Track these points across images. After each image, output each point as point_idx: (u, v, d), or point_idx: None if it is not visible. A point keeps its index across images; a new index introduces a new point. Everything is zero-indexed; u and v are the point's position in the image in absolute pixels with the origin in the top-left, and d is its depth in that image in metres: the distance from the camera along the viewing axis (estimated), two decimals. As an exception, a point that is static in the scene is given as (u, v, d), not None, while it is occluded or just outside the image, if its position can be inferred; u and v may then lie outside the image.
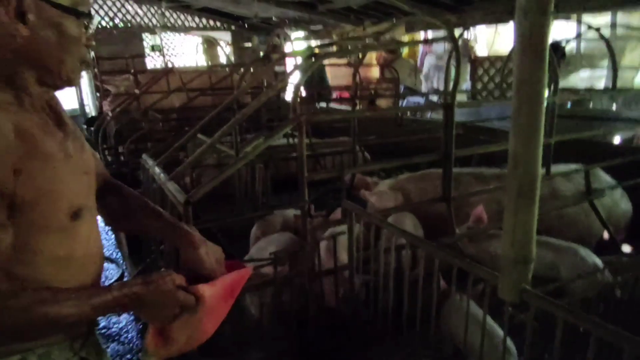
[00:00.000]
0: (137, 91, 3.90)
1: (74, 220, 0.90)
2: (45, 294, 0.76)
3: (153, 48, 7.09)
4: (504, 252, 1.00)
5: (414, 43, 5.52)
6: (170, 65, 4.57)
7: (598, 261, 1.55)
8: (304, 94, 5.14)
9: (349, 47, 2.23)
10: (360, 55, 2.78)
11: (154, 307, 0.84)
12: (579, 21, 3.40)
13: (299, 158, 1.55)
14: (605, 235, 2.62)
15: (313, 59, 1.65)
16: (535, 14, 0.81)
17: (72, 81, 0.92)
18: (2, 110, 0.79)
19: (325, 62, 8.53)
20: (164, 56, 6.83)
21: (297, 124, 1.51)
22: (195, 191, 1.40)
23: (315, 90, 5.27)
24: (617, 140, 4.29)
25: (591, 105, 5.98)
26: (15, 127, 0.80)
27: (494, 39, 7.34)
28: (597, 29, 2.68)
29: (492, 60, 6.85)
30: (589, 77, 6.80)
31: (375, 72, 6.65)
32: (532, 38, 0.85)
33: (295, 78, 2.30)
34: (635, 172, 2.67)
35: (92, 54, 5.80)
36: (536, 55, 0.90)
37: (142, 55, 6.67)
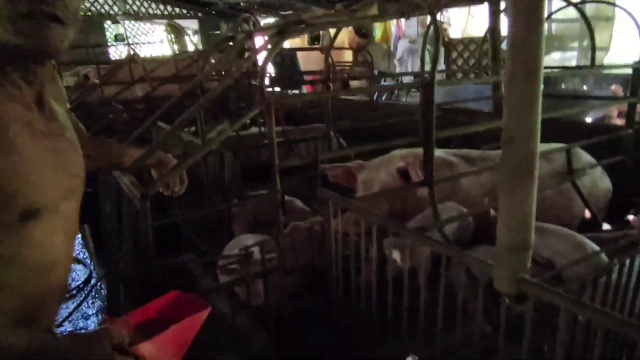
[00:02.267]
0: (96, 81, 3.67)
1: (24, 221, 0.79)
2: None
3: (116, 38, 6.75)
4: (499, 238, 0.90)
5: (389, 17, 5.37)
6: (136, 55, 4.32)
7: (596, 247, 1.48)
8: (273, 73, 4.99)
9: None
10: (332, 34, 2.63)
11: None
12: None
13: (269, 144, 1.41)
14: (587, 214, 2.58)
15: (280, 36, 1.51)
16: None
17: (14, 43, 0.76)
18: None
19: (297, 42, 8.36)
20: (129, 45, 6.52)
21: (266, 107, 1.37)
22: (153, 184, 1.25)
23: (287, 75, 5.10)
24: (589, 120, 4.30)
25: (563, 86, 6.01)
26: None
27: (467, 22, 7.31)
28: (575, 4, 2.61)
29: (466, 43, 6.81)
30: (561, 59, 6.84)
31: (348, 56, 6.53)
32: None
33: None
34: (611, 150, 2.65)
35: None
36: (532, 16, 0.80)
37: (104, 45, 6.34)
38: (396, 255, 1.52)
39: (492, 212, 2.03)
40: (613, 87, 5.29)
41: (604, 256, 1.32)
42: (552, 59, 6.81)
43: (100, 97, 3.92)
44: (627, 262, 1.18)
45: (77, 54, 5.03)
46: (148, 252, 1.29)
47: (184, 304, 0.91)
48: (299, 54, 6.81)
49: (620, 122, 4.55)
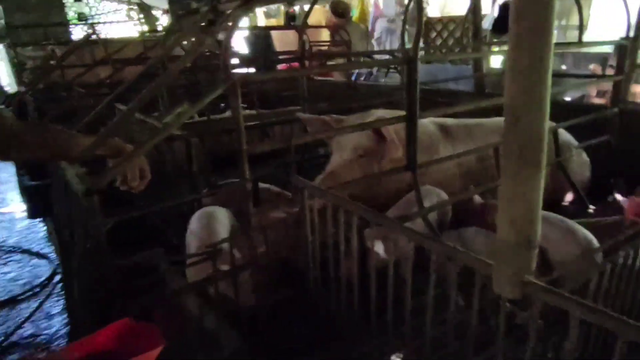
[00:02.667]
0: (52, 62, 3.40)
1: None
2: None
3: (79, 17, 6.35)
4: (500, 233, 0.77)
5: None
6: (96, 35, 4.01)
7: (588, 235, 1.38)
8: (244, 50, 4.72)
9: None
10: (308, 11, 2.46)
11: None
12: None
13: (236, 127, 1.25)
14: (568, 197, 2.52)
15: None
16: None
17: None
18: None
19: (272, 23, 8.07)
20: (93, 25, 6.12)
21: (230, 86, 1.21)
22: (101, 177, 1.08)
23: (262, 57, 4.87)
24: (567, 99, 4.24)
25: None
26: None
27: (445, 1, 7.17)
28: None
29: (445, 22, 6.68)
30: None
31: (325, 36, 6.34)
32: None
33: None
34: (591, 130, 2.59)
35: (2, 21, 5.10)
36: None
37: (64, 24, 5.96)
38: (379, 247, 1.39)
39: (476, 198, 1.93)
40: (592, 66, 5.25)
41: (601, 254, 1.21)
42: (531, 38, 6.73)
43: (62, 80, 3.65)
44: (631, 253, 1.07)
45: (34, 34, 4.70)
46: (100, 253, 1.13)
47: (136, 335, 0.77)
48: (276, 36, 6.56)
49: (599, 101, 4.52)
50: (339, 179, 1.79)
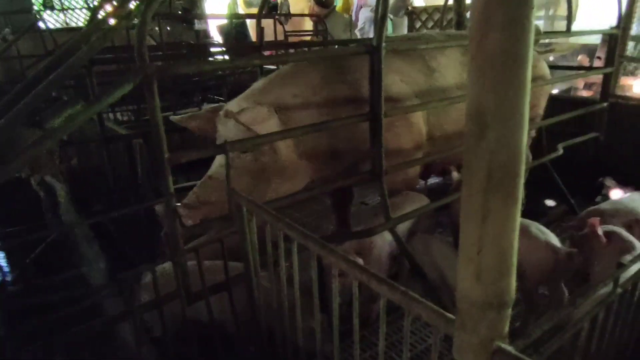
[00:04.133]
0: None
1: None
2: None
3: (45, 5, 5.97)
4: (462, 287, 0.56)
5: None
6: (43, 23, 3.70)
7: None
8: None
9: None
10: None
11: None
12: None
13: (153, 130, 1.03)
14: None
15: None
16: None
17: None
18: None
19: (252, 11, 7.76)
20: (38, 14, 5.70)
21: (144, 79, 0.98)
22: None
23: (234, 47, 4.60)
24: (554, 92, 4.08)
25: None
26: None
27: (430, -10, 6.94)
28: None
29: (430, 11, 6.46)
30: (526, 28, 6.58)
31: (310, 25, 6.12)
32: None
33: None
34: (578, 125, 2.43)
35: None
36: None
37: (28, 12, 5.60)
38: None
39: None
40: (580, 57, 5.10)
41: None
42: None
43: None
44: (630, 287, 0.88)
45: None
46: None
47: None
48: (249, 19, 6.23)
49: (586, 93, 4.35)
50: (221, 186, 1.39)
